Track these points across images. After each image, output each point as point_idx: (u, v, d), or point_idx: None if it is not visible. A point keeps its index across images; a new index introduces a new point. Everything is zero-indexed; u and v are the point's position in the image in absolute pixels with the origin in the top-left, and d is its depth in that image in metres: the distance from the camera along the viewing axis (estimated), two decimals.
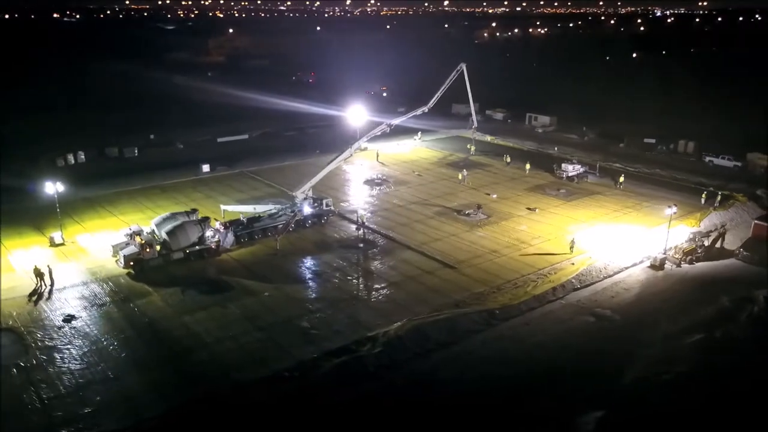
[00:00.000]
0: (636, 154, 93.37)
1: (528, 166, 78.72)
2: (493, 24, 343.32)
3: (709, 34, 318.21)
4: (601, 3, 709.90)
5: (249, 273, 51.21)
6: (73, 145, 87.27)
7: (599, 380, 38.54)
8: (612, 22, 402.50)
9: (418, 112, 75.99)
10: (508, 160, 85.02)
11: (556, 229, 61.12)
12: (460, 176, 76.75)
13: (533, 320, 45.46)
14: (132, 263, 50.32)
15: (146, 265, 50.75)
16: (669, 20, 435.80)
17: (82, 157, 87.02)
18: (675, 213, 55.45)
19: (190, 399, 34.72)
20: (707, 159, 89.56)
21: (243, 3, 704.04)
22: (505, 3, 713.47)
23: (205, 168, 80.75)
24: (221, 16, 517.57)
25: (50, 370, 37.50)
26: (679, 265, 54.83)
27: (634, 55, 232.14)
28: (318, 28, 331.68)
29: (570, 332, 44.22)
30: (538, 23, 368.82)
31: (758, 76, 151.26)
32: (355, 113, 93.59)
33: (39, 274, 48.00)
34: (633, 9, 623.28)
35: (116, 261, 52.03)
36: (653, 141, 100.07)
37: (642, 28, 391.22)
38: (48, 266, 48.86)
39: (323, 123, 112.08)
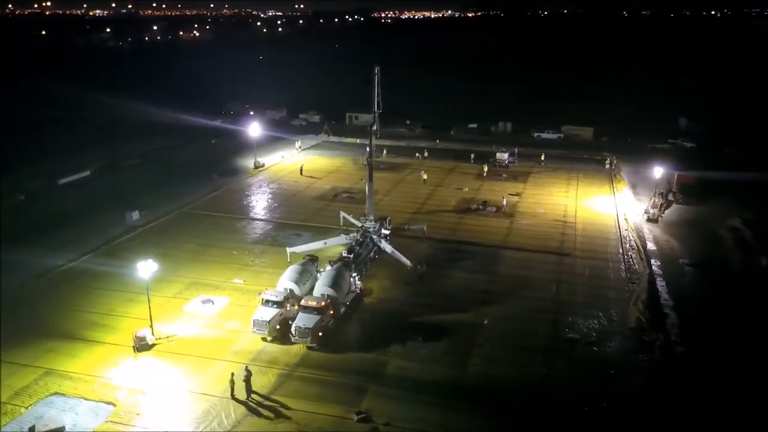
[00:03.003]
0: (477, 139, 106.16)
1: (485, 168, 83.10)
2: (155, 27, 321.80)
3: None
4: (212, 6, 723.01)
5: (423, 308, 45.38)
6: None
7: None
8: (259, 23, 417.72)
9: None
10: (426, 154, 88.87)
11: (561, 207, 68.86)
12: (424, 177, 77.69)
13: (666, 274, 52.53)
14: (320, 334, 39.82)
15: (327, 330, 40.83)
16: (300, 21, 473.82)
17: None
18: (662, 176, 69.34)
19: None
20: (535, 134, 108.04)
21: None
22: (113, 5, 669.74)
23: (135, 215, 63.26)
24: None
25: None
26: (661, 216, 68.65)
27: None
28: None
29: (701, 279, 52.69)
30: (196, 26, 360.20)
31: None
32: (254, 129, 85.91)
33: (245, 380, 34.78)
34: (236, 11, 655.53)
35: (270, 335, 40.52)
36: (475, 125, 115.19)
37: (280, 29, 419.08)
38: (246, 367, 35.55)
39: (163, 145, 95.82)
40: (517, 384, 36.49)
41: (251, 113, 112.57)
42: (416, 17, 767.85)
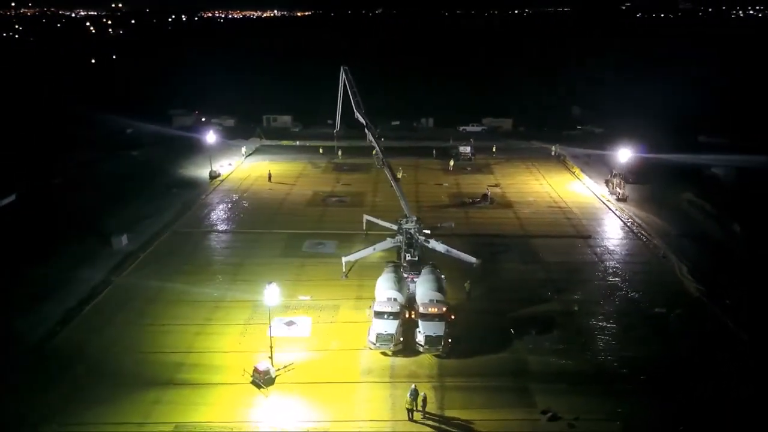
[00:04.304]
0: (406, 135, 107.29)
1: (452, 163, 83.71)
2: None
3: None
4: (12, 4, 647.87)
5: (509, 303, 44.95)
6: None
7: None
8: (88, 23, 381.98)
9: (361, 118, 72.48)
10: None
11: (544, 194, 72.24)
12: (399, 175, 76.58)
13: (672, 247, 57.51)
14: (450, 341, 38.28)
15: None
16: (132, 21, 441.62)
17: None
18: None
19: None
20: (461, 128, 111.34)
21: None
22: None
23: (124, 240, 55.68)
24: None
25: None
26: (627, 195, 74.75)
27: None
28: None
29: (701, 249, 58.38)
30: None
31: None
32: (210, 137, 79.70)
33: (423, 400, 32.59)
34: (39, 10, 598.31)
35: (396, 346, 38.22)
36: (398, 122, 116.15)
37: (110, 31, 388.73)
38: (415, 387, 33.09)
39: (84, 160, 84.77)
40: (654, 362, 37.73)
41: (202, 119, 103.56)
42: (250, 17, 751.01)
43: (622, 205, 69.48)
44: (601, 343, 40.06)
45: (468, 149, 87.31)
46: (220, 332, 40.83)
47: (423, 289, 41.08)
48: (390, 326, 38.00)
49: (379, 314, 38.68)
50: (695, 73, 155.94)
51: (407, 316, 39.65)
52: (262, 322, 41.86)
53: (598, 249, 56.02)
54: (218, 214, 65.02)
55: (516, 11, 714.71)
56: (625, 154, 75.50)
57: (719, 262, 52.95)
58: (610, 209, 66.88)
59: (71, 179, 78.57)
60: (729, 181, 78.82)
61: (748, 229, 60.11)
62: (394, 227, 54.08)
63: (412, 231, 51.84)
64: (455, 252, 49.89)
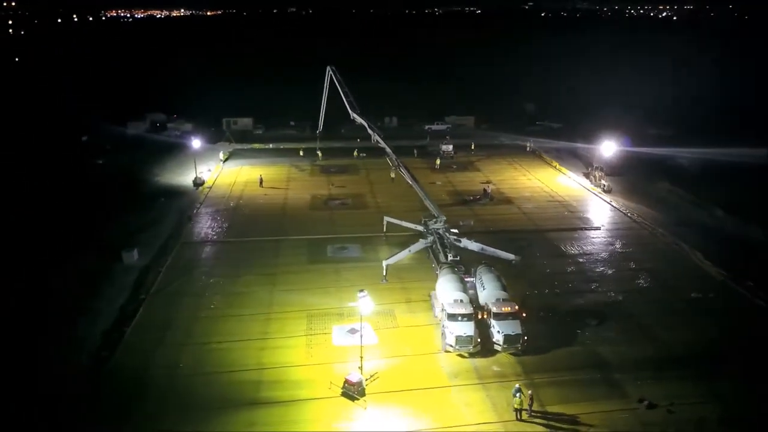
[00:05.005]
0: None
1: (438, 161, 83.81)
2: None
3: None
4: None
5: (558, 298, 46.29)
6: None
7: None
8: None
9: (359, 119, 72.14)
10: (364, 154, 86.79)
11: (537, 189, 73.93)
12: (392, 175, 76.07)
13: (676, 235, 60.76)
14: (525, 338, 38.40)
15: None
16: (35, 21, 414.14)
17: None
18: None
19: None
20: (426, 127, 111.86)
21: None
22: None
23: (135, 255, 52.26)
24: None
25: None
26: (609, 185, 77.83)
27: None
28: None
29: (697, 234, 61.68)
30: None
31: None
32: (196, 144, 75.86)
33: (531, 398, 32.58)
34: None
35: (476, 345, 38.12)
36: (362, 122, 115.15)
37: (11, 31, 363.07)
38: (519, 387, 32.96)
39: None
40: (717, 344, 39.49)
41: (170, 124, 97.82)
42: (155, 16, 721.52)
43: (610, 196, 72.09)
44: (659, 330, 41.38)
45: (450, 147, 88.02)
46: (284, 345, 39.11)
47: (489, 288, 40.88)
48: (468, 328, 37.68)
49: (453, 316, 38.17)
50: (634, 67, 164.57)
51: (479, 316, 39.33)
52: (323, 331, 40.72)
53: (612, 239, 57.95)
54: (222, 222, 62.02)
55: (426, 11, 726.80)
56: (608, 148, 78.29)
57: (722, 246, 55.81)
58: (605, 201, 69.23)
59: (41, 189, 72.74)
60: (696, 170, 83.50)
61: (732, 215, 63.98)
62: (419, 228, 53.72)
63: (441, 231, 51.65)
64: (491, 250, 49.84)
